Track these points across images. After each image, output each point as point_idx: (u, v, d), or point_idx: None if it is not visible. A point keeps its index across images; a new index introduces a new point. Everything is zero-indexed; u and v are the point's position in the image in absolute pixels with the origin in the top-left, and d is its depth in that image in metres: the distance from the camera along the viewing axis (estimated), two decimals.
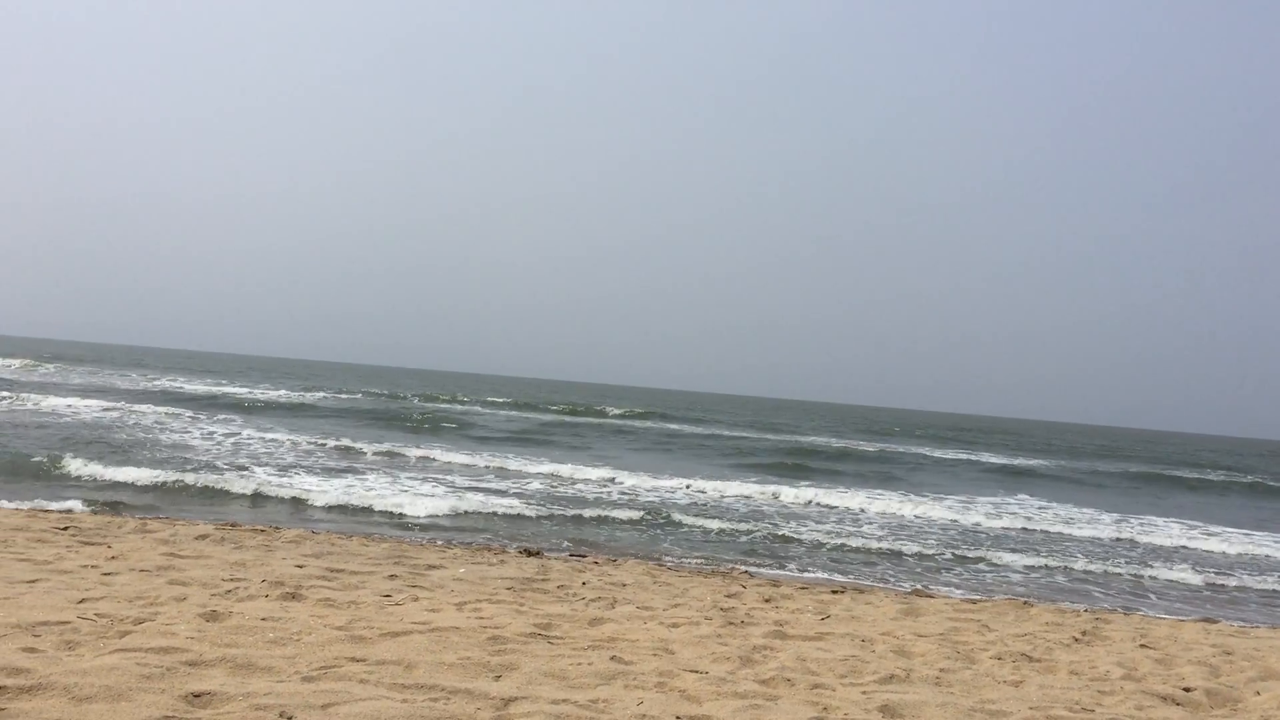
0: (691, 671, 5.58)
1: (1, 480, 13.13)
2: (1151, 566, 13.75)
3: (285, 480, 15.11)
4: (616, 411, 48.30)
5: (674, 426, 44.02)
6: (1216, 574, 13.39)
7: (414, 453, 21.34)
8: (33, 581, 6.50)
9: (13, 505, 11.00)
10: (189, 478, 14.21)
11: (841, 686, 5.58)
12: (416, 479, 16.98)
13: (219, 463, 16.73)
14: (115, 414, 25.51)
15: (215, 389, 41.17)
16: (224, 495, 13.51)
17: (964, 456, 38.85)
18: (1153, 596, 11.72)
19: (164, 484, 13.74)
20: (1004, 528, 17.08)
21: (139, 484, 13.65)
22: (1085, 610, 9.94)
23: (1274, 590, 12.69)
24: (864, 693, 5.47)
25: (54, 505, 11.31)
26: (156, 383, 42.83)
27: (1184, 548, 16.35)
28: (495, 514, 13.55)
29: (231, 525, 10.72)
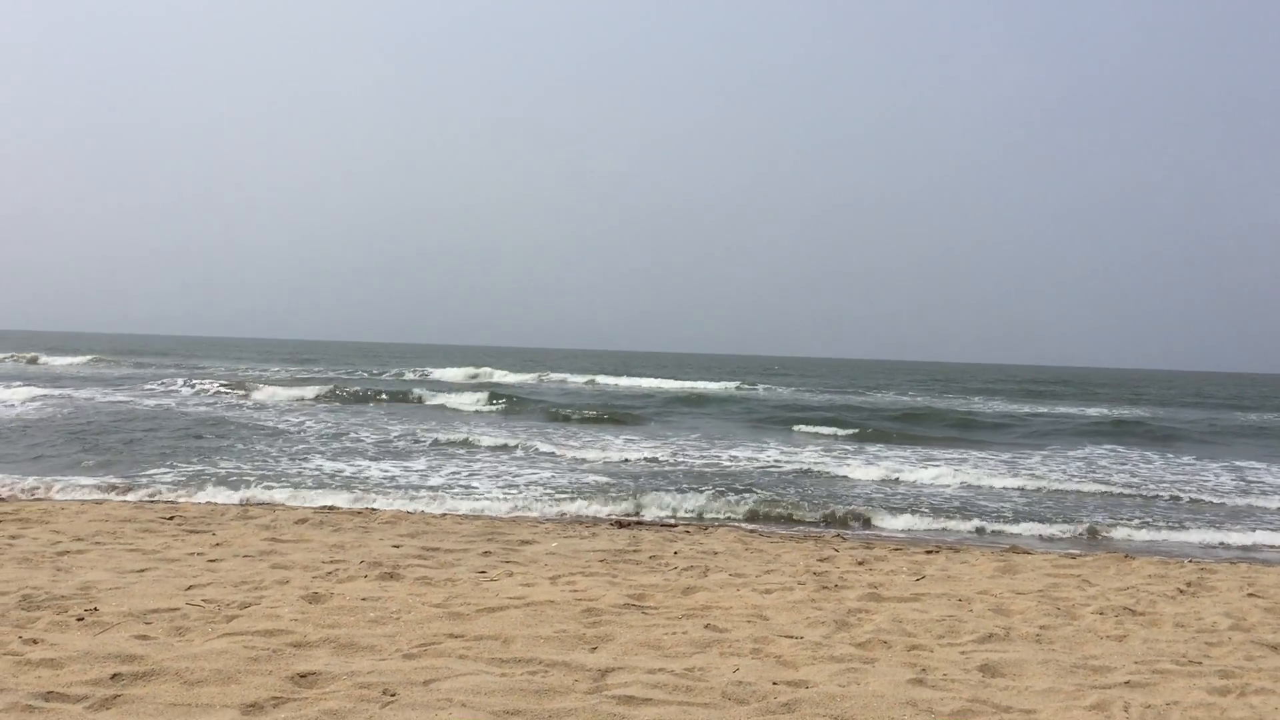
0: (786, 637, 5.57)
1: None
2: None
3: (379, 467, 15.44)
4: (673, 387, 47.67)
5: (747, 391, 44.56)
6: None
7: (493, 434, 21.58)
8: (142, 571, 6.75)
9: (121, 498, 11.40)
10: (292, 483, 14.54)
11: (939, 647, 5.52)
12: (501, 461, 17.19)
13: (301, 459, 17.12)
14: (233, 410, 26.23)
15: (280, 375, 42.08)
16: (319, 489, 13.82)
17: (1042, 410, 37.99)
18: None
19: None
20: (1092, 490, 16.67)
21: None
22: (1190, 561, 9.67)
23: None
24: (963, 653, 5.41)
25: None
26: (248, 371, 43.94)
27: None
28: (584, 489, 13.61)
29: (329, 509, 10.98)
